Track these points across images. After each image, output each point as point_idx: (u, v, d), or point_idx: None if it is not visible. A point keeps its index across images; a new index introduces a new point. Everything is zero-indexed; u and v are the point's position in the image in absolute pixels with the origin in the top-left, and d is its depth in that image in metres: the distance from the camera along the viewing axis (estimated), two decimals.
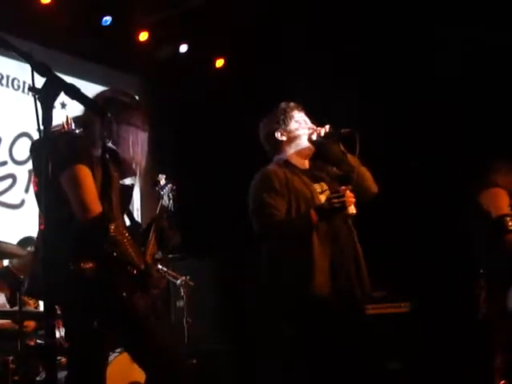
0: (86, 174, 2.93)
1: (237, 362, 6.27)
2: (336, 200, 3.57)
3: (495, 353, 4.84)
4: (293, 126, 3.91)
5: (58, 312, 3.08)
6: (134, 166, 3.23)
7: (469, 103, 6.28)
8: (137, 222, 3.40)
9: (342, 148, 3.87)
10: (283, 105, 4.00)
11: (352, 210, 3.61)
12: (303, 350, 3.64)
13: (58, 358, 4.14)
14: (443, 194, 6.28)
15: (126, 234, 3.00)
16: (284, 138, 3.91)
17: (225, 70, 7.41)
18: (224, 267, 6.85)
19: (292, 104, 4.00)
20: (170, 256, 5.65)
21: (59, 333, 3.94)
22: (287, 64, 6.99)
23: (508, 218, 4.72)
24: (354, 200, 3.60)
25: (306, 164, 3.95)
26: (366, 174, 3.92)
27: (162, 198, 3.51)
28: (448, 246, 6.22)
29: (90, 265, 2.89)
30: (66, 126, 3.02)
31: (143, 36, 6.88)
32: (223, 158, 7.20)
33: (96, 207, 2.90)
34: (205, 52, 7.32)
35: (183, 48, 7.15)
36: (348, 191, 3.59)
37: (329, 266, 3.67)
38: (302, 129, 3.91)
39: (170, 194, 3.57)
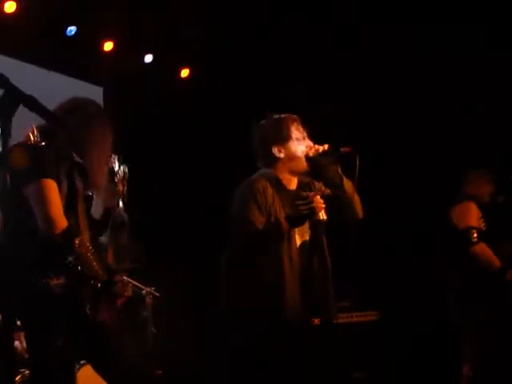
0: (51, 188, 2.91)
1: (203, 372, 6.24)
2: (304, 207, 3.52)
3: (463, 361, 4.90)
4: (293, 144, 3.75)
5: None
6: (98, 177, 3.20)
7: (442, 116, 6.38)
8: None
9: (340, 171, 3.76)
10: (282, 117, 3.81)
11: (322, 215, 3.55)
12: (252, 363, 3.63)
13: (22, 370, 4.11)
14: (411, 204, 6.34)
15: (90, 248, 2.99)
16: (282, 156, 3.76)
17: (190, 80, 7.41)
18: (191, 278, 6.83)
19: (291, 117, 3.82)
20: (136, 266, 5.64)
21: (21, 344, 3.91)
22: (253, 74, 7.02)
23: (473, 230, 4.78)
24: (323, 206, 3.54)
25: (295, 182, 3.84)
26: (357, 202, 3.81)
27: (116, 186, 3.40)
28: (415, 256, 6.27)
29: (56, 281, 2.88)
30: (31, 137, 2.99)
31: (108, 46, 6.84)
32: (191, 168, 7.19)
33: (61, 222, 2.89)
34: (170, 62, 7.31)
35: (148, 58, 7.13)
36: (318, 197, 3.53)
37: (297, 280, 3.66)
38: (300, 147, 3.75)
39: (125, 181, 3.47)
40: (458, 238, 4.86)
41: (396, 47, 6.49)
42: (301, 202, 3.54)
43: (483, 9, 5.99)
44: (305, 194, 3.64)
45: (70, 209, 2.99)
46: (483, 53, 6.10)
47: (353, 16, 6.46)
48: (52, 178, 2.93)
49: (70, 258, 2.90)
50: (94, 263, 2.98)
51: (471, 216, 4.90)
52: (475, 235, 4.77)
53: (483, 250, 4.80)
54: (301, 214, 3.54)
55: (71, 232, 2.92)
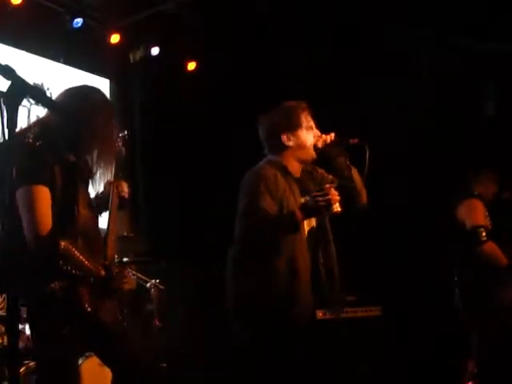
0: (40, 195, 2.87)
1: (207, 365, 6.25)
2: (321, 198, 3.48)
3: (469, 358, 4.89)
4: (302, 133, 3.74)
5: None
6: (104, 168, 3.17)
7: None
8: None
9: (348, 162, 3.78)
10: (292, 105, 3.80)
11: (337, 207, 3.53)
12: (268, 355, 3.62)
13: (26, 362, 4.12)
14: (417, 201, 6.34)
15: (74, 250, 2.95)
16: (291, 144, 3.74)
17: (196, 73, 7.40)
18: (195, 270, 6.84)
19: (301, 105, 3.80)
20: (140, 259, 5.65)
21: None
22: (259, 67, 7.01)
23: (482, 229, 4.75)
24: (338, 198, 3.52)
25: (300, 170, 3.83)
26: (363, 191, 3.84)
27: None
28: (419, 252, 6.26)
29: (57, 285, 2.89)
30: (28, 135, 2.96)
31: (115, 38, 6.83)
32: (196, 160, 7.19)
33: (43, 231, 2.86)
34: (177, 55, 7.31)
35: (155, 51, 7.12)
36: (332, 189, 3.51)
37: (308, 277, 3.65)
38: (309, 136, 3.75)
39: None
40: (465, 237, 4.83)
41: (397, 45, 6.49)
42: (318, 194, 3.52)
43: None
44: (324, 186, 3.59)
45: (66, 210, 2.97)
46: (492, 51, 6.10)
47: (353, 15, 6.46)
48: (44, 183, 2.88)
49: (62, 262, 2.90)
50: (86, 262, 2.97)
51: (478, 214, 4.86)
52: (484, 234, 4.74)
53: (492, 248, 4.77)
54: (317, 205, 3.51)
55: (52, 239, 2.88)
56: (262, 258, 3.62)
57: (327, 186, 3.56)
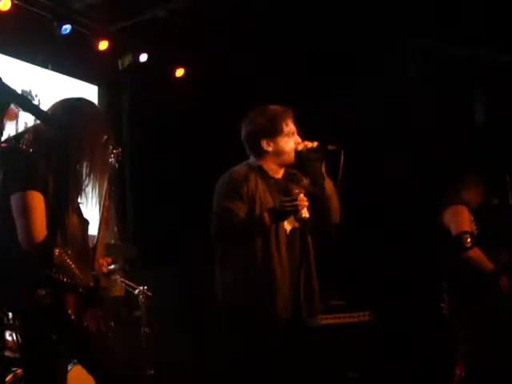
0: (35, 201, 2.86)
1: (195, 372, 6.24)
2: (288, 203, 3.56)
3: (456, 362, 4.91)
4: (282, 139, 3.76)
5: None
6: (94, 179, 3.17)
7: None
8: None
9: (324, 169, 3.80)
10: (275, 111, 3.82)
11: (305, 213, 3.60)
12: (249, 361, 3.63)
13: (14, 369, 4.10)
14: (405, 206, 6.36)
15: (67, 258, 2.94)
16: (270, 149, 3.78)
17: (185, 80, 7.41)
18: (183, 277, 6.83)
19: (285, 111, 3.83)
20: (129, 266, 5.64)
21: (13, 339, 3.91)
22: (248, 73, 7.03)
23: (467, 235, 4.79)
24: (306, 204, 3.59)
25: (281, 172, 3.87)
26: (335, 204, 3.83)
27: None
28: (409, 257, 6.28)
29: (44, 292, 2.88)
30: (23, 141, 2.95)
31: (103, 45, 6.83)
32: (184, 166, 7.20)
33: (39, 237, 2.85)
34: (165, 61, 7.31)
35: (143, 57, 7.12)
36: (301, 195, 3.58)
37: (287, 277, 3.66)
38: (290, 142, 3.78)
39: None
40: (451, 243, 4.87)
41: (389, 47, 6.51)
42: (285, 199, 3.59)
43: None
44: (293, 191, 3.65)
45: (57, 218, 2.96)
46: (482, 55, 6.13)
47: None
48: (38, 189, 2.88)
49: (54, 269, 2.89)
50: (77, 271, 2.96)
51: (463, 220, 4.90)
52: (469, 240, 4.78)
53: (477, 254, 4.81)
54: (284, 210, 3.59)
55: (47, 246, 2.87)
56: (239, 260, 3.67)
57: (296, 191, 3.62)
